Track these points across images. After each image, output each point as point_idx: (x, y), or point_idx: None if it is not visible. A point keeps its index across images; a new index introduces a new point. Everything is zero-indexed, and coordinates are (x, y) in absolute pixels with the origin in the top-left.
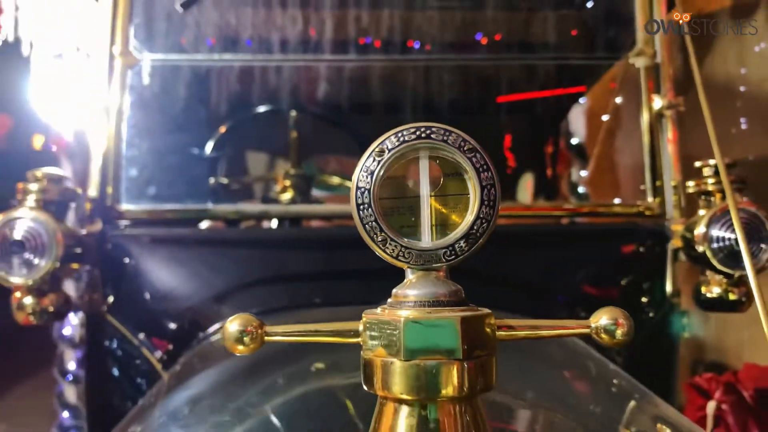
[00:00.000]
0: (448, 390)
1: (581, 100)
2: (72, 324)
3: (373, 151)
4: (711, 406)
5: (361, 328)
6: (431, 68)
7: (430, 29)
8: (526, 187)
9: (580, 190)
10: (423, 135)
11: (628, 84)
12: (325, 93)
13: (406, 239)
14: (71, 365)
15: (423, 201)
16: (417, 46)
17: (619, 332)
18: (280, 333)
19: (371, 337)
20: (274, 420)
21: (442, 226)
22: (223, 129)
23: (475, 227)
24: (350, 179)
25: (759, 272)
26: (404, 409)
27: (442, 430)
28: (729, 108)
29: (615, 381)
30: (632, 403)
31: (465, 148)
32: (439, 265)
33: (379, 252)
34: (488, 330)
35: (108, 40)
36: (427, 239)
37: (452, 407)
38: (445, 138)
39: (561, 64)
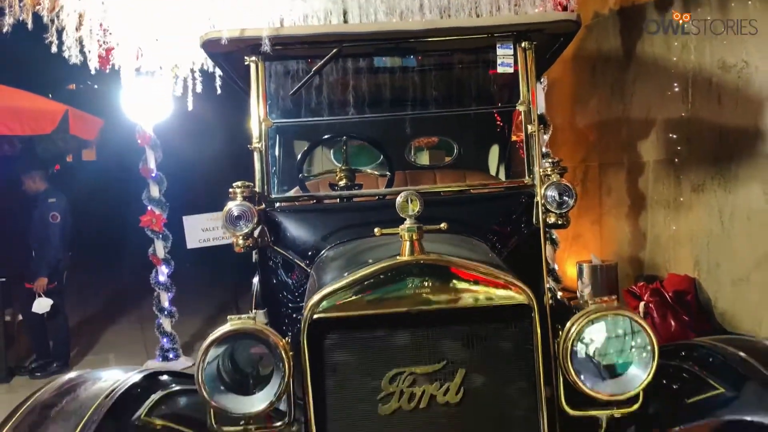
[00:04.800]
0: (415, 237)
1: (543, 79)
2: (164, 273)
3: (398, 203)
4: (641, 306)
5: (399, 231)
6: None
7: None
8: (494, 159)
9: (544, 150)
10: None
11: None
12: (363, 127)
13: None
14: (166, 303)
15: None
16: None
17: None
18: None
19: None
20: (361, 256)
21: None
22: (306, 148)
23: (418, 211)
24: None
25: (570, 209)
26: (407, 239)
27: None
28: (663, 76)
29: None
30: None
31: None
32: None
33: (403, 215)
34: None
35: (257, 112)
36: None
37: (418, 235)
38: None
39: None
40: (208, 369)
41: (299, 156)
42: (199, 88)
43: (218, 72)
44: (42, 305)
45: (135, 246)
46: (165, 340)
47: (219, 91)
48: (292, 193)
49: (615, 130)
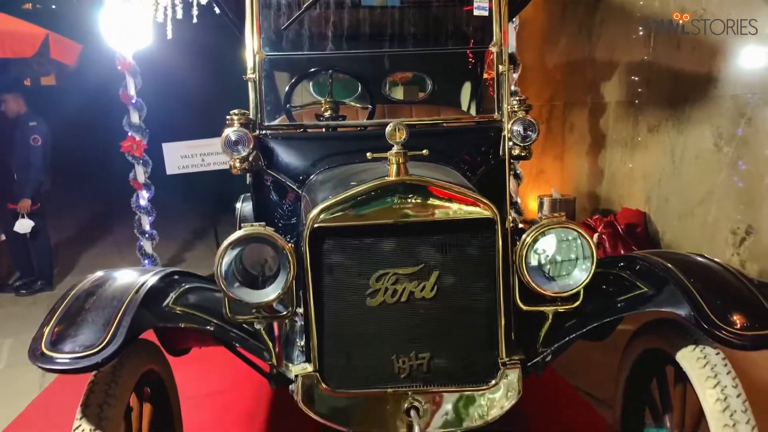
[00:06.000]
0: (401, 161)
1: (515, 19)
2: (144, 197)
3: (387, 131)
4: (595, 237)
5: (387, 155)
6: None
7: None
8: (466, 95)
9: (513, 88)
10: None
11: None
12: (346, 62)
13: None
14: (147, 227)
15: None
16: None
17: None
18: (382, 155)
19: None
20: (350, 178)
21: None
22: (293, 81)
23: (404, 139)
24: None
25: (533, 142)
26: (394, 162)
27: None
28: (628, 20)
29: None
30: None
31: (407, 133)
32: (400, 145)
33: (391, 142)
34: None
35: (251, 45)
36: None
37: (403, 159)
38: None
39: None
40: (225, 267)
41: (287, 87)
42: (179, 15)
43: (198, 1)
44: (24, 226)
45: (98, 170)
46: (146, 261)
47: (195, 20)
48: (278, 121)
49: (581, 71)
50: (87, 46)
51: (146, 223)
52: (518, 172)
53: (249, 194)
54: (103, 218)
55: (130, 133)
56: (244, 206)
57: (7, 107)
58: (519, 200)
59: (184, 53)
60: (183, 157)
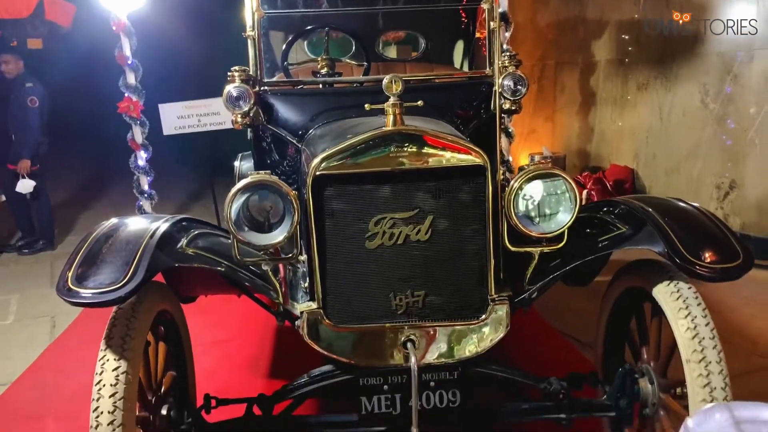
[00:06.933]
0: (398, 112)
1: None
2: (143, 157)
3: (384, 84)
4: (584, 193)
5: (384, 107)
6: None
7: None
8: (459, 53)
9: (504, 47)
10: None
11: None
12: (342, 20)
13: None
14: (146, 186)
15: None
16: None
17: None
18: (380, 106)
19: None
20: (348, 131)
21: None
22: (291, 38)
23: (400, 91)
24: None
25: (522, 96)
26: (391, 113)
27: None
28: None
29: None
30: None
31: (402, 85)
32: (396, 96)
33: (388, 94)
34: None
35: (250, 3)
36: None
37: (400, 110)
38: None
39: None
40: (234, 213)
41: (284, 45)
42: None
43: None
44: (26, 186)
45: (94, 133)
46: None
47: None
48: (275, 78)
49: (572, 30)
50: (80, 7)
51: (145, 183)
52: (510, 130)
53: (247, 153)
54: (100, 179)
55: (126, 94)
56: (243, 164)
57: (7, 68)
58: (510, 158)
59: (179, 13)
60: (179, 117)
